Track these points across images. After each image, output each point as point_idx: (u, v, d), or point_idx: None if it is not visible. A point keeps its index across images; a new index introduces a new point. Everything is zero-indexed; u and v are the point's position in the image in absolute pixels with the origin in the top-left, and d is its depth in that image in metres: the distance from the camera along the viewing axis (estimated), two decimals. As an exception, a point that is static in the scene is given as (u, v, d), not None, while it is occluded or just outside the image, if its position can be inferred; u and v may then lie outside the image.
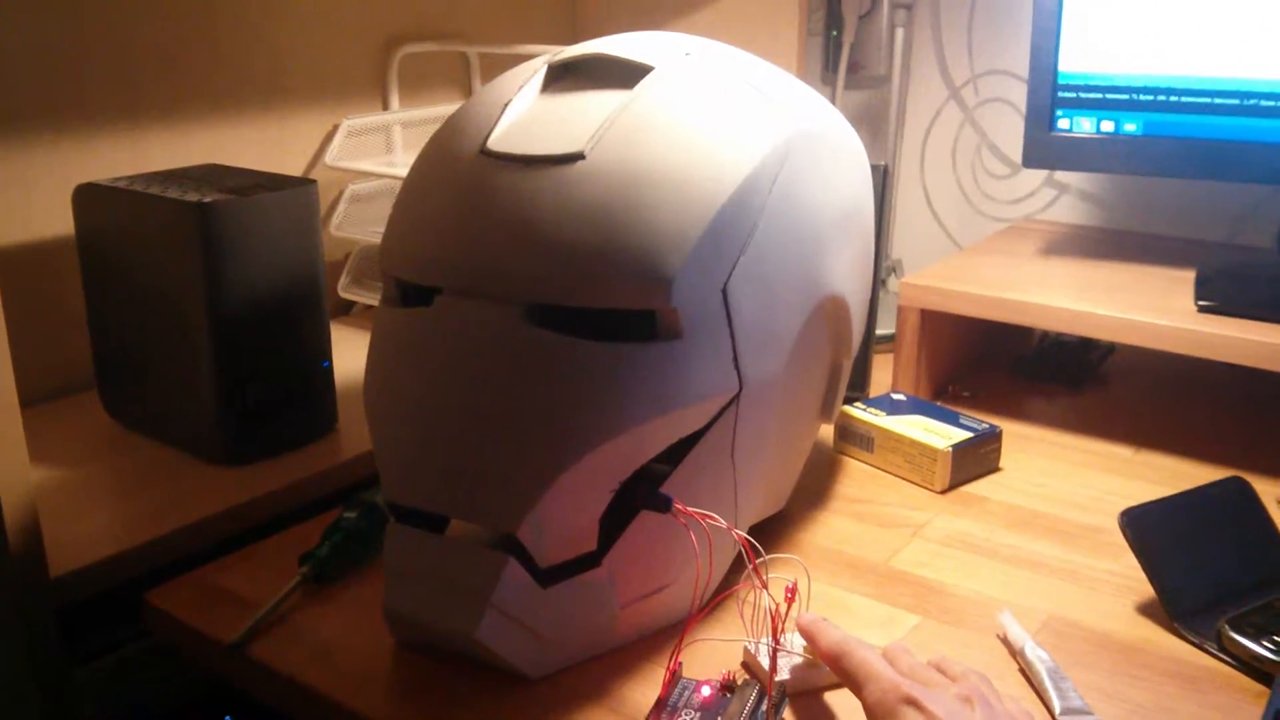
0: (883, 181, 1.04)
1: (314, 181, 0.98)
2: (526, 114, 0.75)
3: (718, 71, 0.78)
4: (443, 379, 0.71)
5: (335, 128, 1.30)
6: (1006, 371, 1.25)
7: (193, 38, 1.17)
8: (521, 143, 0.72)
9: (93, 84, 1.10)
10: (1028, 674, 0.71)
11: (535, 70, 0.79)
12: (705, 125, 0.73)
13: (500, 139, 0.73)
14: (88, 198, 0.98)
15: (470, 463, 0.69)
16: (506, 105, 0.75)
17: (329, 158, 1.28)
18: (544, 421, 0.68)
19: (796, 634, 0.70)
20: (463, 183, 0.73)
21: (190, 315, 0.92)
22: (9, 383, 0.74)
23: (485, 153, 0.73)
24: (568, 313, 0.70)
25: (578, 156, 0.70)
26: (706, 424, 0.73)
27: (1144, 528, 0.79)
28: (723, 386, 0.73)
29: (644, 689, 0.71)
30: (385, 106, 1.37)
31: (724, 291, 0.71)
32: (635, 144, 0.71)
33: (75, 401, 1.10)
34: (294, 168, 1.29)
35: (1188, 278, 1.12)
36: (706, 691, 0.68)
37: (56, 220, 1.08)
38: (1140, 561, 0.79)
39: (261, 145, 1.25)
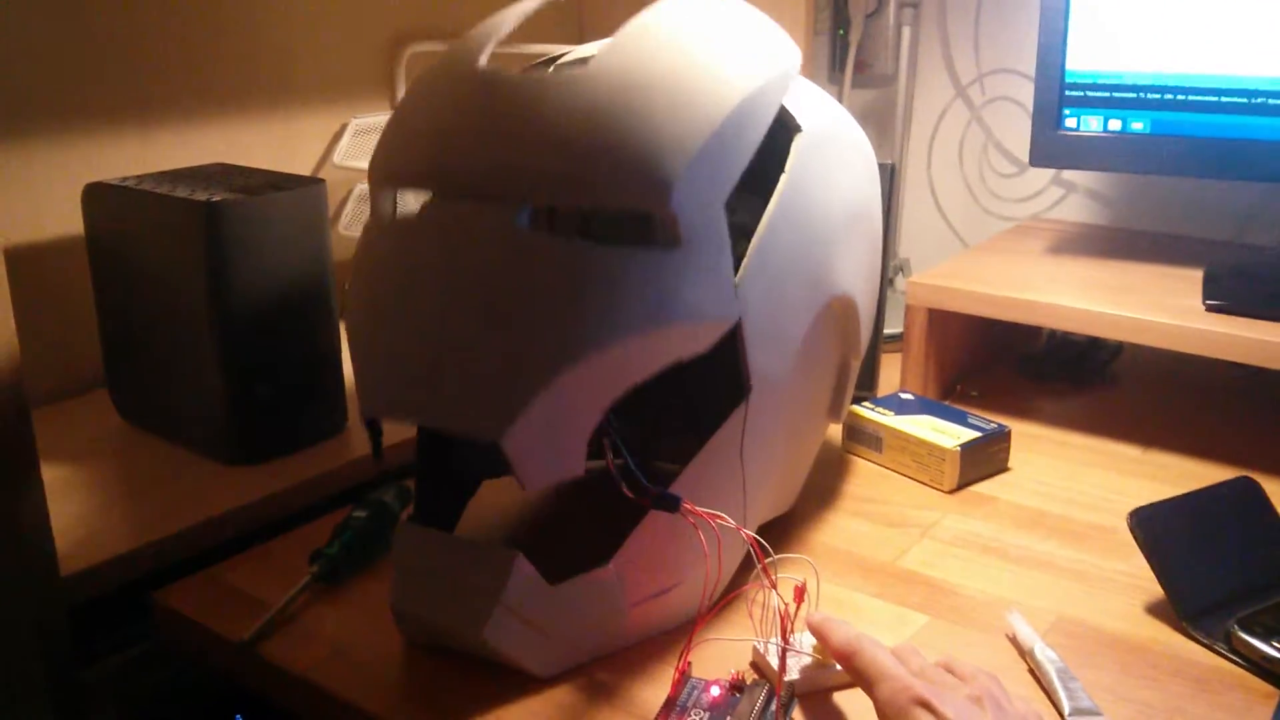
0: (889, 180, 1.04)
1: (322, 181, 0.98)
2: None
3: (730, 7, 0.78)
4: (430, 283, 0.69)
5: (343, 127, 1.30)
6: (1014, 371, 1.25)
7: (201, 37, 1.17)
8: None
9: (102, 83, 1.10)
10: (1037, 674, 0.71)
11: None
12: (714, 42, 0.73)
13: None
14: (97, 197, 0.98)
15: (456, 368, 0.67)
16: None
17: (337, 157, 1.29)
18: (534, 325, 0.66)
19: (805, 634, 0.70)
20: (460, 93, 0.71)
21: (199, 314, 0.92)
22: (19, 381, 0.74)
23: (484, 68, 0.71)
24: (564, 219, 0.68)
25: (582, 61, 0.68)
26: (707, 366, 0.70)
27: (1153, 528, 0.79)
28: (721, 311, 0.71)
29: (653, 689, 0.71)
30: (393, 106, 1.37)
31: (725, 210, 0.69)
32: (642, 52, 0.69)
33: (85, 401, 1.10)
34: (302, 167, 1.30)
35: (1195, 277, 1.11)
36: (716, 691, 0.68)
37: (66, 219, 1.08)
38: (1149, 562, 0.78)
39: (270, 144, 1.25)
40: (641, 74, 0.68)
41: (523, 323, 0.66)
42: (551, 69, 0.84)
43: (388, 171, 0.74)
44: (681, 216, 0.68)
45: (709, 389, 0.78)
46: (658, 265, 0.68)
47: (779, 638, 0.67)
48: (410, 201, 0.75)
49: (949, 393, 1.18)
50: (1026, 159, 1.23)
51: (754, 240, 0.73)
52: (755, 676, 0.71)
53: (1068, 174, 1.42)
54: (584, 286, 0.66)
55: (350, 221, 1.29)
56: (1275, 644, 0.72)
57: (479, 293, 0.67)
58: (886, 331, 1.21)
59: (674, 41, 0.71)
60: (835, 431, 1.05)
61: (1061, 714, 0.68)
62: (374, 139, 1.31)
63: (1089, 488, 0.98)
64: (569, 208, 0.70)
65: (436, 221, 0.70)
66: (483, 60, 0.71)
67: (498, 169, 0.68)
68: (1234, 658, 0.74)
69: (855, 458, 1.04)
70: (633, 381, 0.68)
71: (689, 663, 0.70)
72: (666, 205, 0.67)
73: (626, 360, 0.67)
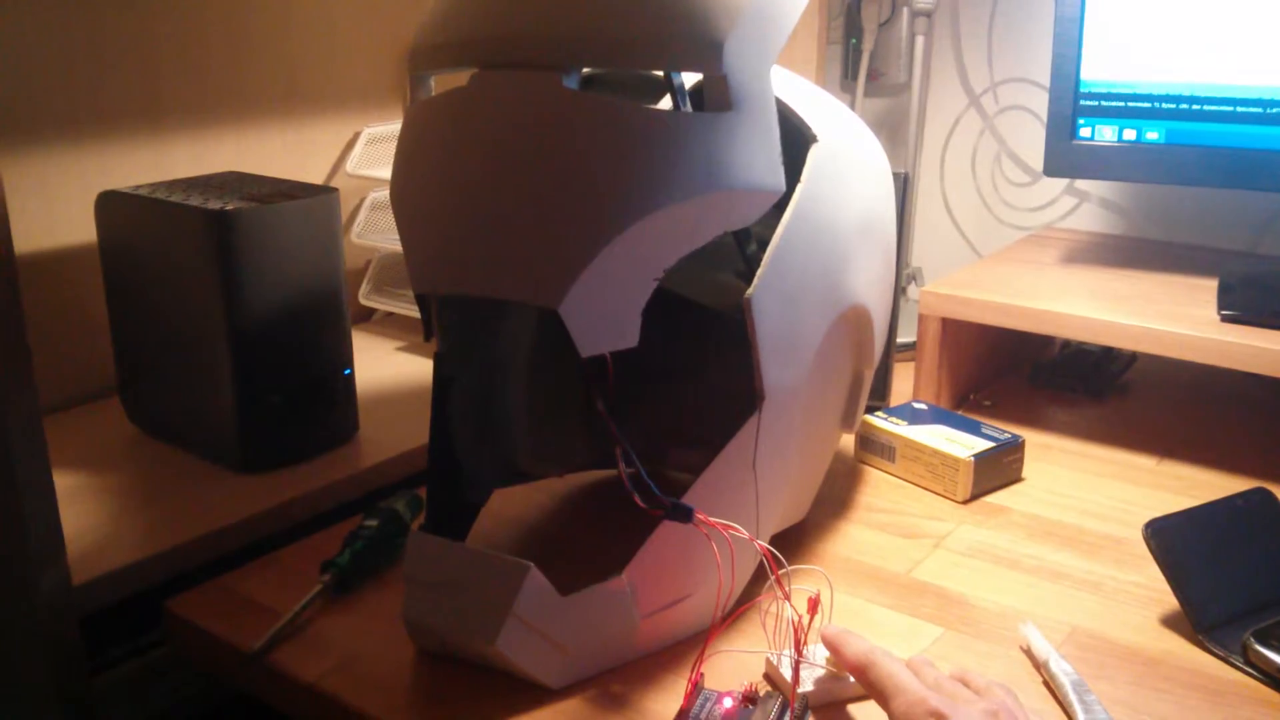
0: (903, 189, 1.04)
1: (335, 189, 0.98)
2: None
3: None
4: (479, 152, 0.68)
5: (356, 136, 1.31)
6: (1027, 381, 1.24)
7: (215, 46, 1.17)
8: None
9: (115, 92, 1.10)
10: (1051, 687, 0.71)
11: None
12: None
13: None
14: (110, 205, 0.99)
15: (510, 236, 0.66)
16: None
17: (350, 166, 1.29)
18: (587, 189, 0.65)
19: (819, 645, 0.70)
20: None
21: (211, 323, 0.93)
22: (32, 389, 0.74)
23: None
24: (611, 83, 0.68)
25: None
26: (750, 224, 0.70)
27: (1168, 539, 0.79)
28: (771, 180, 0.70)
29: (665, 700, 0.70)
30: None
31: (767, 79, 0.69)
32: None
33: (97, 408, 1.10)
34: (315, 175, 1.30)
35: (1210, 286, 1.11)
36: (729, 703, 0.67)
37: (79, 228, 1.08)
38: (1165, 573, 0.78)
39: (283, 153, 1.26)
40: None
41: (574, 187, 0.66)
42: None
43: (432, 48, 0.73)
44: (731, 78, 0.67)
45: (722, 399, 0.78)
46: (709, 128, 0.67)
47: (792, 649, 0.67)
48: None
49: (962, 402, 1.18)
50: (1040, 168, 1.23)
51: (769, 250, 0.73)
52: (768, 688, 0.70)
53: (1081, 183, 1.41)
54: (635, 149, 0.66)
55: (363, 230, 1.29)
56: (1292, 657, 0.71)
57: (529, 158, 0.67)
58: (899, 341, 1.21)
59: None
60: (848, 442, 1.05)
61: (1077, 727, 0.67)
62: (387, 147, 1.31)
63: (1103, 498, 0.97)
64: (620, 72, 0.70)
65: (482, 90, 0.70)
66: None
67: (545, 35, 0.68)
68: (1250, 670, 0.73)
69: (868, 468, 1.03)
70: (683, 250, 0.68)
71: (702, 674, 0.69)
72: (718, 66, 0.67)
73: (678, 225, 0.67)
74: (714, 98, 0.68)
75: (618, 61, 0.68)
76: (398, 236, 0.73)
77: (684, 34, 0.66)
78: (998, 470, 0.98)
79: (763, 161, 0.70)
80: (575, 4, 0.68)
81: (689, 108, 0.69)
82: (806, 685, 0.69)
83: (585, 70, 0.72)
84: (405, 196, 0.73)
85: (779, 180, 0.71)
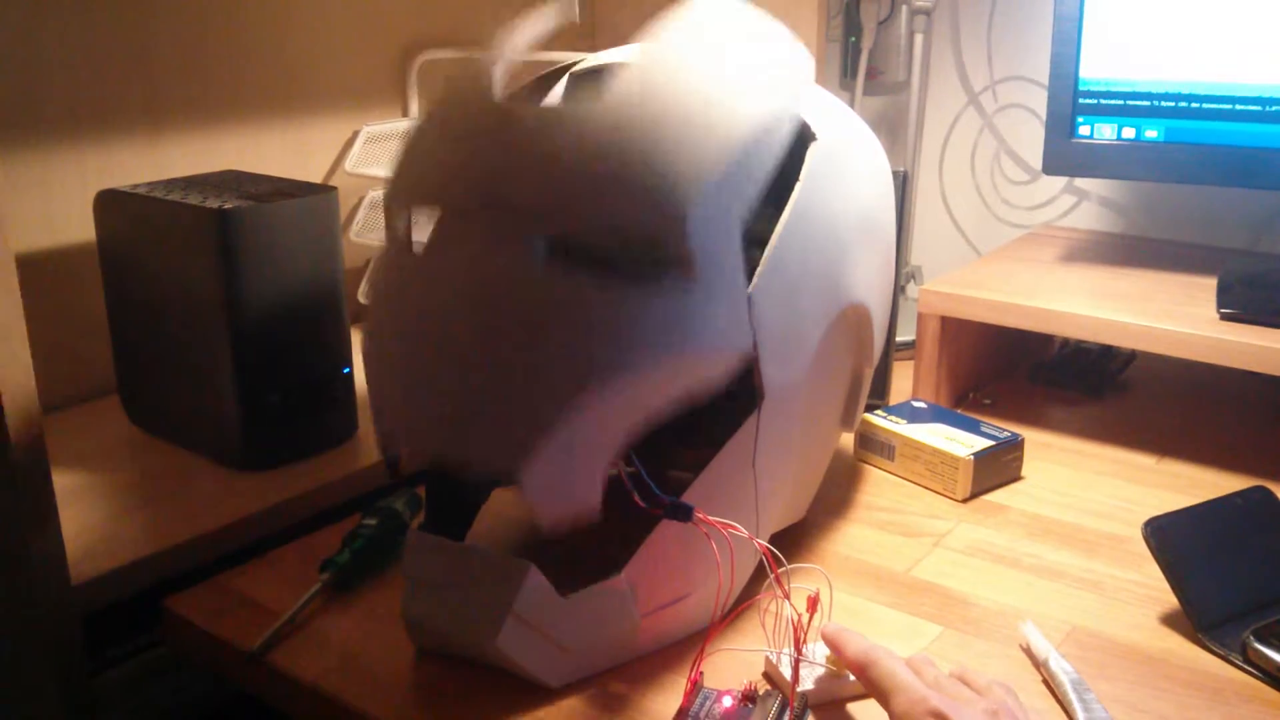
0: (902, 188, 1.04)
1: (334, 188, 0.98)
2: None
3: (736, 35, 0.78)
4: (443, 316, 0.69)
5: (355, 134, 1.30)
6: (1027, 379, 1.24)
7: (214, 45, 1.17)
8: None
9: (114, 91, 1.10)
10: (1051, 686, 0.71)
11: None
12: (728, 66, 0.73)
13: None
14: (109, 204, 0.98)
15: (470, 403, 0.67)
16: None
17: (349, 164, 1.29)
18: (549, 358, 0.66)
19: (819, 644, 0.70)
20: (475, 122, 0.71)
21: (210, 321, 0.92)
22: (31, 388, 0.74)
23: (498, 101, 0.71)
24: (578, 253, 0.68)
25: (594, 72, 0.68)
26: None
27: (1168, 538, 0.79)
28: (735, 340, 0.71)
29: (665, 699, 0.70)
30: (405, 113, 1.37)
31: (736, 238, 0.70)
32: (656, 86, 0.69)
33: (96, 407, 1.10)
34: (314, 174, 1.30)
35: (1209, 285, 1.11)
36: (728, 702, 0.67)
37: (78, 226, 1.08)
38: (1164, 572, 0.78)
39: (282, 152, 1.25)
40: (656, 108, 0.68)
41: (536, 356, 0.66)
42: (565, 77, 0.84)
43: (403, 192, 0.74)
44: (697, 250, 0.68)
45: (722, 398, 0.78)
46: (672, 299, 0.68)
47: (792, 648, 0.67)
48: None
49: (961, 401, 1.18)
50: (1039, 166, 1.23)
51: (768, 249, 0.73)
52: (768, 687, 0.70)
53: (1080, 182, 1.41)
54: (598, 318, 0.66)
55: (362, 228, 1.29)
56: (1292, 656, 0.72)
57: (491, 329, 0.68)
58: (899, 339, 1.21)
59: (687, 70, 0.71)
60: (847, 440, 1.05)
61: (1076, 726, 0.67)
62: (386, 146, 1.31)
63: (1103, 497, 0.97)
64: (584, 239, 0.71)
65: (449, 253, 0.70)
66: (496, 89, 0.72)
67: (510, 203, 0.68)
68: (1250, 669, 0.73)
69: (868, 466, 1.03)
70: (647, 414, 0.69)
71: (701, 673, 0.69)
72: (682, 240, 0.67)
73: (640, 392, 0.68)
74: (679, 266, 0.68)
75: (581, 232, 0.68)
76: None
77: (647, 207, 0.67)
78: (997, 469, 0.98)
79: (728, 323, 0.70)
80: (544, 174, 0.67)
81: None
82: (806, 684, 0.69)
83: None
84: (371, 354, 0.74)
85: (744, 339, 0.71)
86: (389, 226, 0.76)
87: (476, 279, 0.69)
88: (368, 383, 0.74)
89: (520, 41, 0.75)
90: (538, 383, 0.66)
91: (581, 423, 0.66)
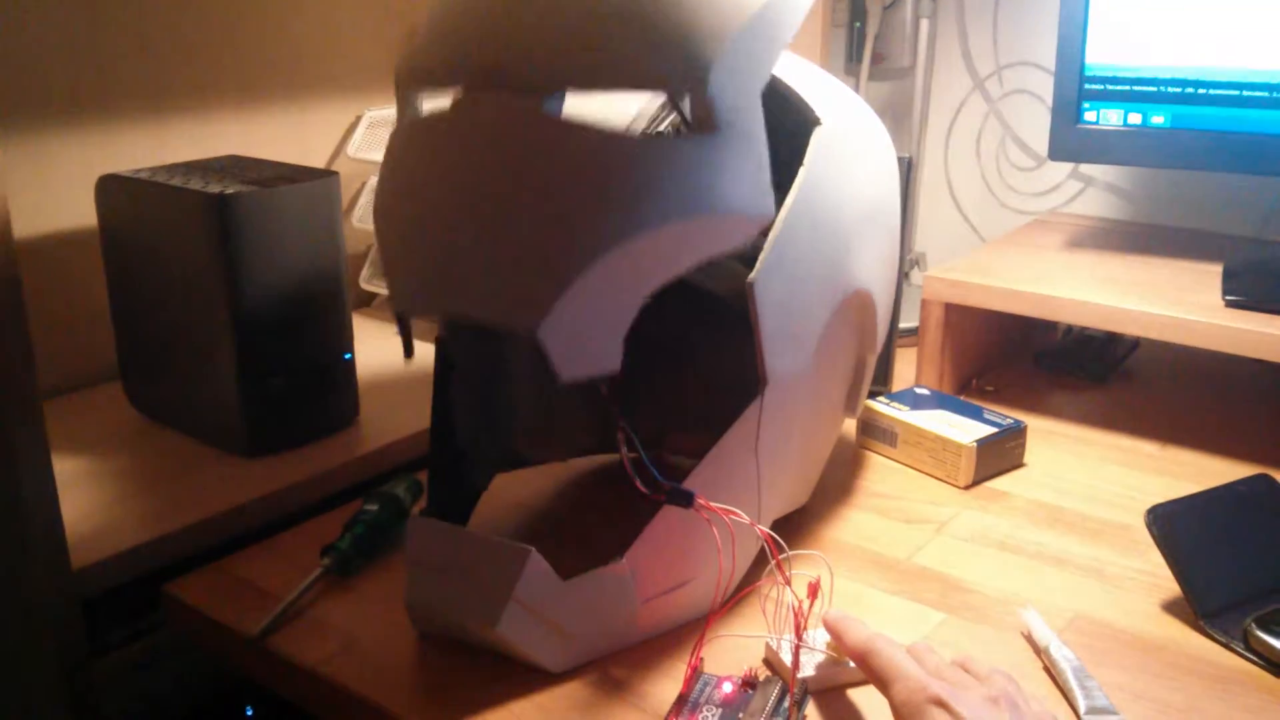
0: (906, 174, 1.04)
1: (336, 173, 0.98)
2: None
3: None
4: (460, 175, 0.68)
5: (357, 119, 1.30)
6: (1031, 366, 1.24)
7: (215, 29, 1.17)
8: None
9: (116, 75, 1.10)
10: (1052, 673, 0.71)
11: None
12: None
13: None
14: (110, 189, 0.98)
15: (489, 259, 0.66)
16: None
17: (351, 149, 1.28)
18: (566, 213, 0.65)
19: (819, 630, 0.70)
20: None
21: (212, 307, 0.92)
22: (32, 373, 0.74)
23: None
24: (597, 106, 0.67)
25: None
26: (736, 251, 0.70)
27: (1171, 525, 0.79)
28: (757, 206, 0.70)
29: (665, 684, 0.70)
30: (407, 97, 1.37)
31: (757, 100, 0.68)
32: None
33: (98, 392, 1.10)
34: (316, 159, 1.29)
35: (1215, 272, 1.10)
36: (728, 688, 0.67)
37: (79, 211, 1.08)
38: (1166, 559, 0.78)
39: (283, 136, 1.25)
40: None
41: (553, 211, 0.65)
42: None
43: (416, 70, 0.73)
44: (718, 102, 0.66)
45: (724, 384, 0.78)
46: (693, 152, 0.66)
47: (793, 634, 0.67)
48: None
49: (965, 388, 1.17)
50: (1044, 153, 1.22)
51: (772, 234, 0.73)
52: (768, 673, 0.70)
53: (1086, 168, 1.41)
54: (617, 173, 0.65)
55: (364, 214, 1.29)
56: (1294, 644, 0.71)
57: (509, 182, 0.66)
58: (902, 326, 1.20)
59: None
60: (850, 427, 1.04)
61: (1077, 713, 0.67)
62: (388, 131, 1.30)
63: (1106, 484, 0.97)
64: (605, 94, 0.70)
65: (464, 113, 0.69)
66: None
67: (528, 58, 0.67)
68: (1252, 657, 0.73)
69: (870, 453, 1.03)
70: (666, 275, 0.67)
71: (701, 659, 0.69)
72: (704, 90, 0.66)
73: (660, 251, 0.66)
74: (700, 121, 0.67)
75: (602, 85, 0.67)
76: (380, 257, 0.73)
77: (670, 57, 0.65)
78: (1000, 456, 0.98)
79: (749, 186, 0.69)
80: (560, 27, 0.67)
81: (676, 123, 0.69)
82: (806, 670, 0.69)
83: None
84: (385, 217, 0.72)
85: (766, 205, 0.70)
86: (399, 106, 0.75)
87: (492, 134, 0.67)
88: (379, 244, 0.73)
89: None
90: (553, 238, 0.65)
91: (598, 279, 0.65)
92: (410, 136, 0.72)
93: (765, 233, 0.73)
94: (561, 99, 0.67)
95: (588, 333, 0.66)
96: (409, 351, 0.75)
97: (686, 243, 0.67)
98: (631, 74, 0.66)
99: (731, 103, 0.67)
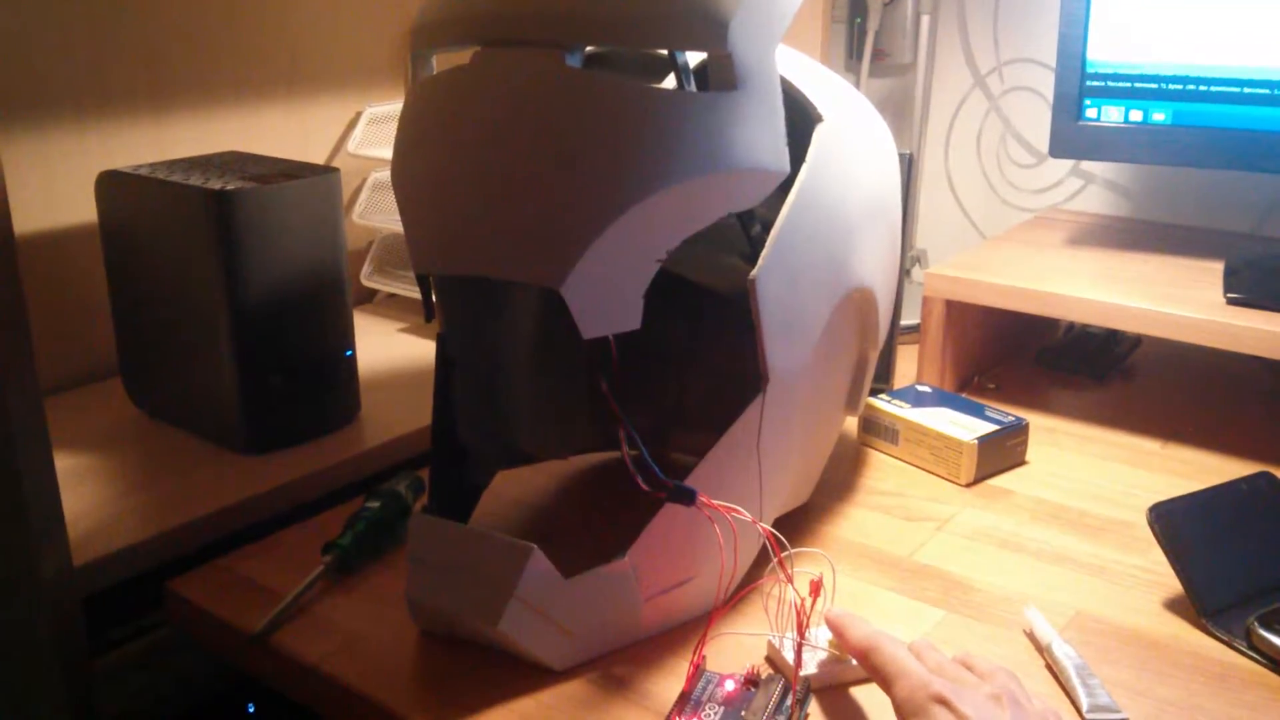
0: (907, 170, 1.03)
1: (336, 169, 0.98)
2: None
3: None
4: (480, 132, 0.68)
5: (358, 115, 1.30)
6: (1032, 363, 1.24)
7: (216, 25, 1.16)
8: None
9: (116, 72, 1.10)
10: (1054, 670, 0.71)
11: None
12: None
13: None
14: (110, 185, 0.98)
15: (512, 216, 0.66)
16: None
17: (351, 145, 1.28)
18: (589, 169, 0.65)
19: (821, 628, 0.70)
20: None
21: (212, 303, 0.92)
22: (32, 370, 0.74)
23: None
24: (615, 63, 0.67)
25: None
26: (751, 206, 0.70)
27: (1172, 523, 0.78)
28: (775, 161, 0.70)
29: (668, 682, 0.70)
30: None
31: (772, 57, 0.68)
32: None
33: (98, 389, 1.10)
34: (316, 155, 1.29)
35: (1216, 269, 1.10)
36: (730, 686, 0.67)
37: (80, 207, 1.08)
38: (1168, 557, 0.78)
39: (284, 133, 1.25)
40: None
41: (576, 167, 0.65)
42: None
43: (434, 25, 0.72)
44: (736, 57, 0.67)
45: (726, 381, 0.78)
46: (713, 107, 0.67)
47: (795, 632, 0.67)
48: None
49: (966, 385, 1.17)
50: (1045, 149, 1.22)
51: (773, 231, 0.72)
52: (770, 671, 0.70)
53: (1087, 165, 1.41)
54: (638, 128, 0.65)
55: (364, 210, 1.29)
56: (1296, 642, 0.71)
57: (530, 138, 0.66)
58: (903, 323, 1.20)
59: None
60: (851, 424, 1.04)
61: (1080, 711, 0.67)
62: (389, 127, 1.30)
63: (1107, 482, 0.97)
64: (624, 51, 0.69)
65: (484, 68, 0.69)
66: None
67: (547, 12, 0.67)
68: (1254, 655, 0.73)
69: (871, 451, 1.03)
70: (688, 230, 0.67)
71: (704, 656, 0.69)
72: (722, 44, 0.66)
73: (681, 206, 0.67)
74: (718, 76, 0.67)
75: (621, 40, 0.67)
76: (399, 217, 0.73)
77: (689, 12, 0.66)
78: (1001, 453, 0.98)
79: (767, 142, 0.69)
80: None
81: (693, 87, 0.69)
82: (809, 668, 0.69)
83: (589, 50, 0.71)
84: (406, 176, 0.72)
85: (784, 161, 0.71)
86: (414, 67, 0.75)
87: (512, 89, 0.67)
88: (399, 204, 0.72)
89: None
90: (576, 195, 0.65)
91: (621, 235, 0.65)
92: (428, 94, 0.72)
93: (767, 230, 0.73)
94: (581, 54, 0.66)
95: (610, 289, 0.66)
96: (430, 314, 0.75)
97: (708, 198, 0.68)
98: (650, 29, 0.66)
99: (749, 58, 0.67)
